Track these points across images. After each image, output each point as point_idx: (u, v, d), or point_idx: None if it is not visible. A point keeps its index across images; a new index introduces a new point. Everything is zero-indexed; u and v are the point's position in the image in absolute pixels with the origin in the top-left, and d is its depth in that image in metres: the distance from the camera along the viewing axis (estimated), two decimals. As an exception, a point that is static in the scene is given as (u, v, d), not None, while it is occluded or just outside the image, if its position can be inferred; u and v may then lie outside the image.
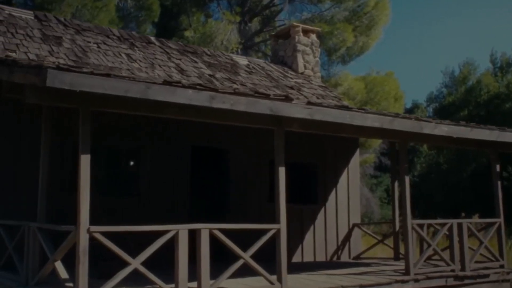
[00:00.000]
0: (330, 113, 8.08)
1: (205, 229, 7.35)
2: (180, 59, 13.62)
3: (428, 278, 9.42)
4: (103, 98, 6.53)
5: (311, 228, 13.37)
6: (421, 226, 11.18)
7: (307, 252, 13.20)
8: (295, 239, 13.02)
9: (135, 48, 13.27)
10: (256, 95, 7.40)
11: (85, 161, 6.68)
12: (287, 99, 7.70)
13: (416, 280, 9.24)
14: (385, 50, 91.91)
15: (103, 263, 7.63)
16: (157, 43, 14.27)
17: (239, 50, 26.11)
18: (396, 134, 9.25)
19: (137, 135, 11.19)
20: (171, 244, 7.12)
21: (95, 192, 10.92)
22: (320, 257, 13.36)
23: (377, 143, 26.52)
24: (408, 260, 9.38)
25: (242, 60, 15.84)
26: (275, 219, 12.76)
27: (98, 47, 12.48)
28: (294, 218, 13.02)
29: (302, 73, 16.33)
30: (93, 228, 6.58)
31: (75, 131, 10.68)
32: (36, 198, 8.16)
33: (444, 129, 9.50)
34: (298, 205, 13.23)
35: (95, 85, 6.22)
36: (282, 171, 8.19)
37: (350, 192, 14.07)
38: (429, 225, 12.53)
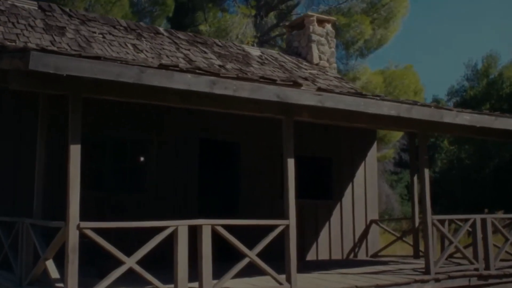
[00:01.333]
0: (343, 100, 7.50)
1: (206, 225, 6.82)
2: (189, 50, 13.11)
3: (450, 277, 8.80)
4: (95, 84, 6.04)
5: (326, 224, 12.79)
6: (442, 222, 10.58)
7: (322, 249, 12.63)
8: (310, 236, 12.47)
9: (142, 39, 12.79)
10: (261, 80, 6.85)
11: (74, 152, 6.19)
12: (296, 84, 7.14)
13: (437, 280, 8.64)
14: (404, 43, 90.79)
15: (103, 261, 7.16)
16: (165, 34, 13.78)
17: (254, 44, 25.58)
18: (414, 124, 8.63)
19: (143, 128, 10.72)
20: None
21: (99, 187, 10.62)
22: (336, 255, 12.77)
23: (396, 138, 25.89)
24: (428, 259, 8.77)
25: (255, 51, 15.30)
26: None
27: (103, 37, 12.01)
28: (309, 214, 12.51)
29: (317, 64, 15.74)
30: (84, 224, 6.09)
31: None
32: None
33: (466, 118, 8.88)
34: (313, 201, 12.68)
35: (84, 69, 5.72)
36: (291, 163, 7.64)
37: (367, 187, 13.46)
38: (451, 222, 11.89)
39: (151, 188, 10.80)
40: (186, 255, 6.61)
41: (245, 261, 7.11)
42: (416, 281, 8.35)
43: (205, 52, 13.38)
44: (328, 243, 12.76)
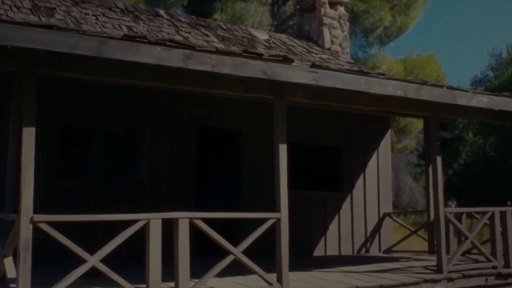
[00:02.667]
0: (341, 78, 6.67)
1: (183, 218, 6.06)
2: (189, 32, 12.34)
3: (465, 276, 7.93)
4: (50, 58, 5.30)
5: (336, 218, 11.95)
6: (459, 215, 9.72)
7: (331, 244, 11.80)
8: (317, 230, 11.66)
9: (140, 21, 12.05)
10: (245, 54, 6.06)
11: (28, 135, 5.44)
12: (286, 60, 6.34)
13: (450, 279, 7.78)
14: (426, 31, 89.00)
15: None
16: (165, 16, 13.02)
17: (271, 33, 24.82)
18: (424, 106, 7.77)
19: (136, 114, 10.02)
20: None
21: (88, 178, 9.94)
22: (346, 250, 11.95)
23: (417, 128, 24.88)
24: (441, 256, 7.92)
25: (262, 35, 14.47)
26: (295, 208, 11.55)
27: (97, 19, 11.30)
28: (316, 207, 11.72)
29: (328, 49, 14.85)
30: (38, 217, 5.36)
31: (63, 109, 9.69)
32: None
33: (483, 100, 7.98)
34: (321, 193, 11.87)
35: (32, 40, 4.98)
36: (283, 149, 6.87)
37: (380, 178, 12.58)
38: (470, 215, 11.00)
39: (144, 179, 10.10)
40: (160, 252, 5.87)
41: (228, 259, 6.34)
42: (426, 281, 7.50)
43: (207, 35, 12.60)
44: (338, 238, 11.93)
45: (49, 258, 7.48)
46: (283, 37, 15.23)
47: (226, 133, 11.05)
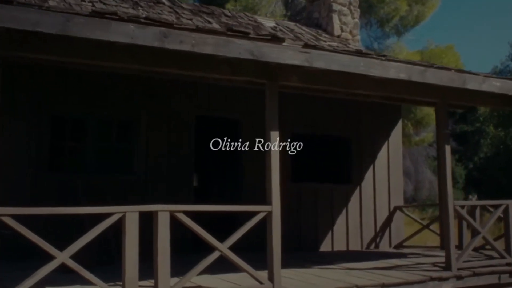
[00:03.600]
0: (336, 59, 6.14)
1: (164, 211, 5.59)
2: (191, 19, 11.84)
3: (475, 274, 7.37)
4: (10, 37, 4.84)
5: (343, 211, 11.42)
6: (472, 209, 9.14)
7: (338, 239, 11.27)
8: (324, 224, 11.14)
9: (139, 8, 11.58)
10: (229, 33, 5.55)
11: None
12: (275, 39, 5.82)
13: (459, 277, 7.22)
14: (444, 22, 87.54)
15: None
16: (167, 3, 12.54)
17: (284, 23, 24.26)
18: (431, 91, 7.21)
19: (131, 103, 9.58)
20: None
21: (80, 171, 9.53)
22: (355, 246, 11.41)
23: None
24: (449, 252, 7.37)
25: (269, 23, 13.94)
26: (300, 201, 11.06)
27: (93, 5, 10.84)
28: (323, 200, 11.20)
29: (338, 36, 14.25)
30: (1, 210, 4.91)
31: (54, 99, 9.28)
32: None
33: (495, 84, 7.40)
34: (328, 185, 11.33)
35: (-13, 15, 4.53)
36: (275, 137, 6.30)
37: (390, 170, 12.01)
38: (485, 209, 10.38)
39: (139, 171, 9.66)
40: (137, 248, 5.41)
41: (214, 256, 5.86)
42: (432, 279, 6.96)
43: (210, 22, 12.09)
44: (346, 232, 11.39)
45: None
46: (291, 24, 14.69)
47: (226, 123, 10.56)
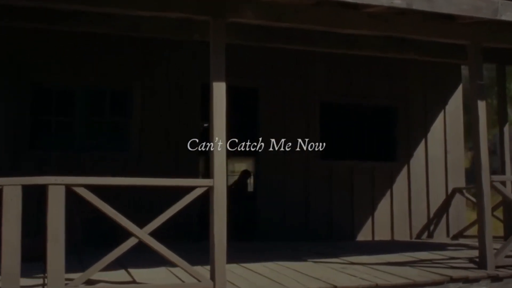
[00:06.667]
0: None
1: (57, 185, 4.20)
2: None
3: (519, 274, 5.47)
4: None
5: (387, 194, 9.58)
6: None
7: (380, 227, 9.47)
8: (362, 209, 9.40)
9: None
10: None
11: None
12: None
13: (496, 279, 5.34)
14: None
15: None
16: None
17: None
18: (452, 29, 5.35)
19: (126, 72, 8.35)
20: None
21: (66, 147, 8.39)
22: (402, 235, 9.56)
23: None
24: (484, 244, 5.52)
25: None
26: (331, 181, 9.38)
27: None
28: (360, 181, 9.48)
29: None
30: None
31: (36, 67, 8.18)
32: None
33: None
34: (367, 163, 9.57)
35: None
36: (219, 89, 4.81)
37: (448, 145, 10.00)
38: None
39: (135, 147, 8.40)
40: (19, 230, 4.08)
41: (129, 243, 4.38)
42: (453, 280, 5.13)
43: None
44: (390, 219, 9.58)
45: None
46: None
47: (239, 91, 9.03)
